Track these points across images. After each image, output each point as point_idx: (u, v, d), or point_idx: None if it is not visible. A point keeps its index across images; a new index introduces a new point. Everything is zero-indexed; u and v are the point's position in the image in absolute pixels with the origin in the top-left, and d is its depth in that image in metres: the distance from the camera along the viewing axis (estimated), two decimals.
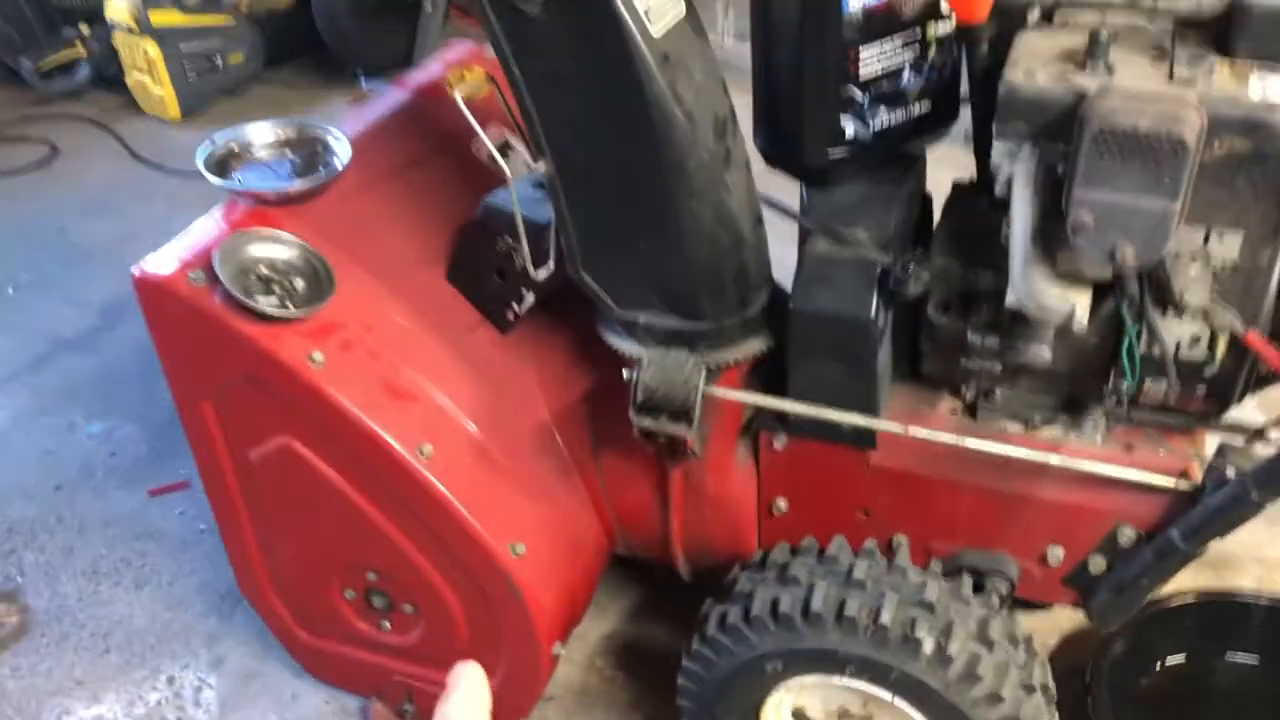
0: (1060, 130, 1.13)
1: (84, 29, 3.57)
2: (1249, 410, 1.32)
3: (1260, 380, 1.24)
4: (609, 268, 1.34)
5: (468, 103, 1.75)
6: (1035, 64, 1.16)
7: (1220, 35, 1.16)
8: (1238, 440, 1.25)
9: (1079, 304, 1.13)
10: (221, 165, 1.47)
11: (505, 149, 1.70)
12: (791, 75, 1.29)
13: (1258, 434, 1.29)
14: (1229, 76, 1.12)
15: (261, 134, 1.51)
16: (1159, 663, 1.60)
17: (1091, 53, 1.14)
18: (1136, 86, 1.06)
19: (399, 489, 1.37)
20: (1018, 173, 1.16)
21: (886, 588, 1.25)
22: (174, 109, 3.46)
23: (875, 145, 1.34)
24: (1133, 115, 1.02)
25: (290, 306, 1.34)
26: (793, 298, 1.30)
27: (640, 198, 1.27)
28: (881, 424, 1.31)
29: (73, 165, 3.35)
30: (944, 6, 1.29)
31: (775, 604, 1.28)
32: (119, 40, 3.43)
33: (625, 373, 1.32)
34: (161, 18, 3.36)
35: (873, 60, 1.28)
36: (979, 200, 1.32)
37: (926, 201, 1.46)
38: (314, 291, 1.37)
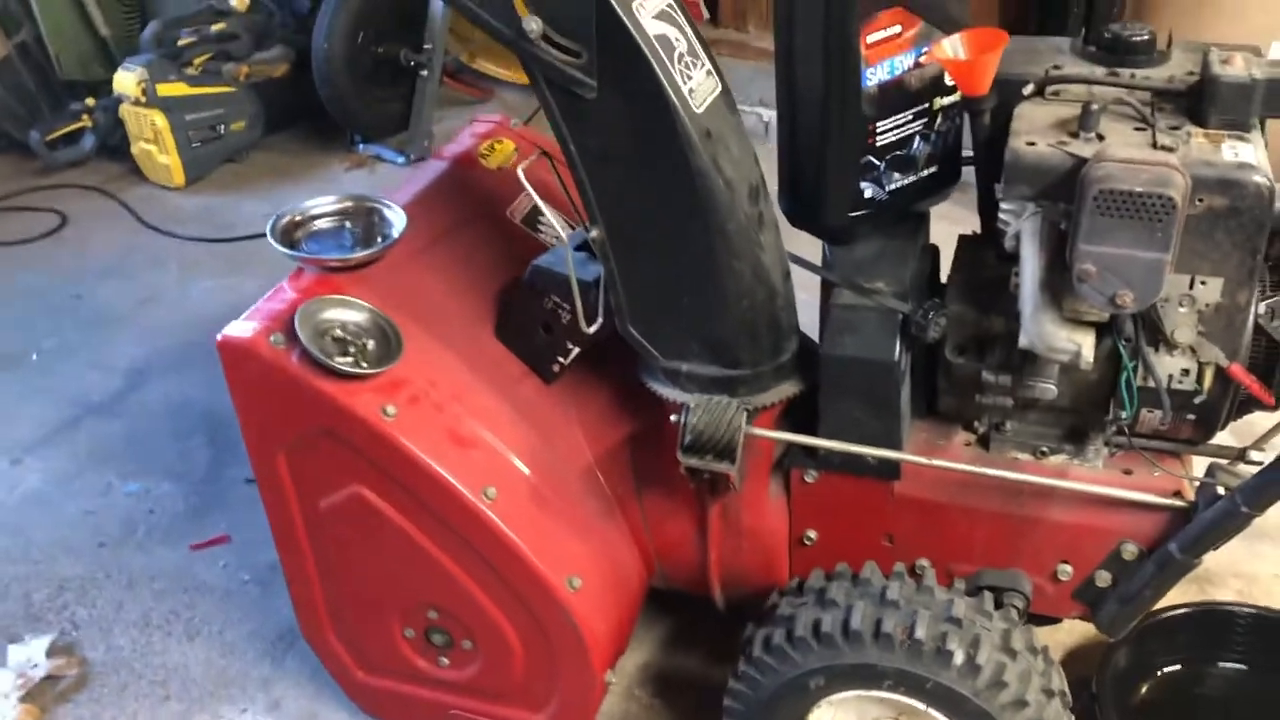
0: (1061, 192, 1.28)
1: (90, 101, 3.68)
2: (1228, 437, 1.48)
3: (1241, 406, 1.40)
4: (655, 322, 1.48)
5: (500, 171, 1.92)
6: (1035, 133, 1.32)
7: (1193, 106, 1.33)
8: (1223, 462, 1.40)
9: (1084, 344, 1.28)
10: (287, 236, 1.60)
11: (536, 216, 1.86)
12: (816, 146, 1.44)
13: (1240, 455, 1.44)
14: (1205, 143, 1.28)
15: (322, 206, 1.64)
16: (1158, 671, 1.74)
17: (1084, 123, 1.30)
18: (1128, 153, 1.22)
19: (464, 530, 1.49)
20: (1024, 230, 1.31)
21: (918, 606, 1.38)
22: (179, 176, 3.58)
23: (889, 205, 1.49)
24: (1128, 178, 1.18)
25: (364, 365, 1.46)
26: (823, 344, 1.45)
27: (685, 259, 1.42)
28: (907, 457, 1.45)
29: (82, 233, 3.45)
30: (948, 81, 1.45)
31: (817, 625, 1.40)
32: (126, 111, 3.55)
33: (674, 417, 1.45)
34: (168, 89, 3.49)
35: (888, 131, 1.44)
36: (986, 252, 1.47)
37: (934, 253, 1.61)
38: (384, 351, 1.49)
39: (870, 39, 1.36)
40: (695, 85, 1.35)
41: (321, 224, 1.64)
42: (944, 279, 1.55)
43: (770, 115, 3.58)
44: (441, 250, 1.71)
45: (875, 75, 1.39)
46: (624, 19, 1.29)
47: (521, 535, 1.48)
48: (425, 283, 1.65)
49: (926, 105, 1.46)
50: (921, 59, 1.40)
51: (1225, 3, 2.65)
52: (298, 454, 1.53)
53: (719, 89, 1.40)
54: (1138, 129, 1.32)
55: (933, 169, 1.51)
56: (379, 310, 1.51)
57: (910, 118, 1.45)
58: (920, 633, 1.34)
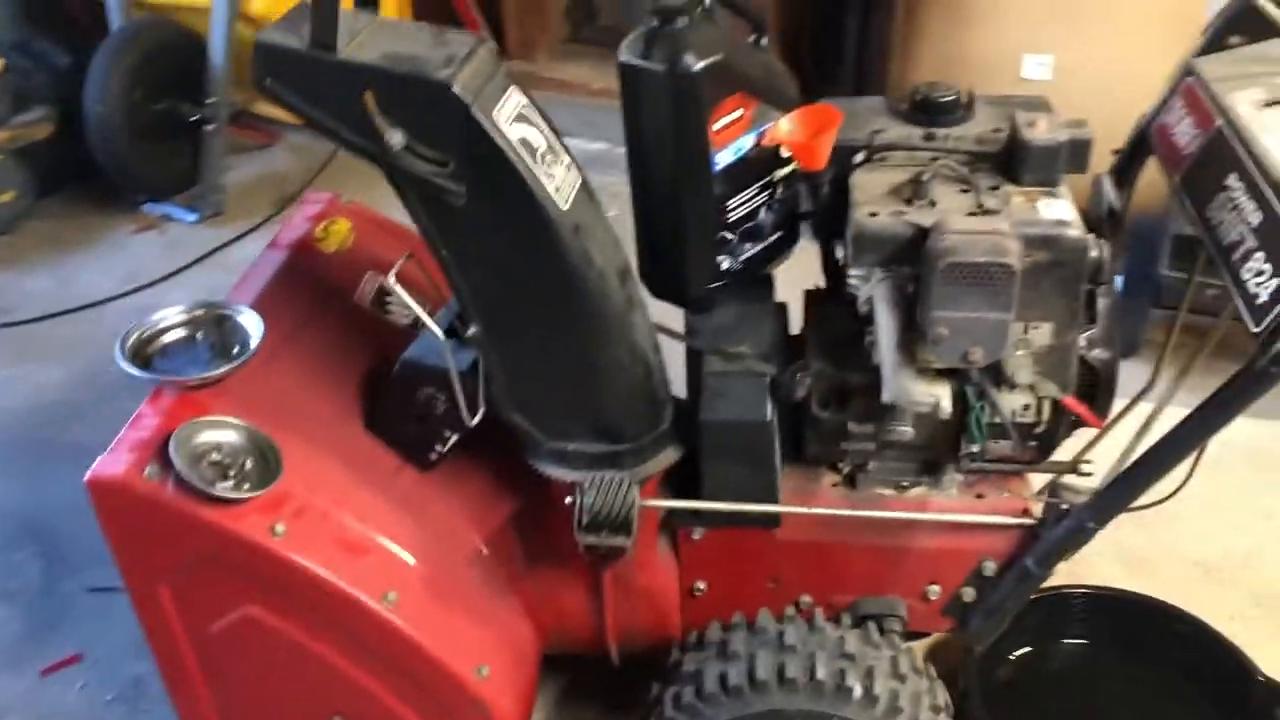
0: (905, 257, 1.40)
1: None
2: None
3: (1072, 425, 1.56)
4: (538, 408, 1.51)
5: (338, 254, 1.89)
6: (874, 203, 1.44)
7: (1006, 166, 1.48)
8: (1067, 479, 1.57)
9: (943, 395, 1.40)
10: (139, 356, 1.54)
11: (383, 296, 1.85)
12: (672, 227, 1.52)
13: (1072, 468, 1.62)
14: (1023, 201, 1.43)
15: (170, 319, 1.59)
16: (1010, 655, 1.92)
17: (917, 191, 1.43)
18: (965, 224, 1.35)
19: (369, 638, 1.48)
20: (876, 295, 1.42)
21: (815, 647, 1.48)
22: None
23: (742, 273, 1.58)
24: (971, 250, 1.30)
25: (247, 488, 1.43)
26: (701, 411, 1.52)
27: (565, 348, 1.46)
28: (788, 509, 1.55)
29: None
30: (785, 153, 1.55)
31: (724, 678, 1.48)
32: None
33: (568, 499, 1.49)
34: None
35: (737, 207, 1.52)
36: (834, 308, 1.58)
37: (783, 310, 1.72)
38: (264, 468, 1.46)
39: (717, 126, 1.44)
40: (559, 182, 1.39)
41: (172, 338, 1.59)
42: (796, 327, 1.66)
43: (569, 143, 3.64)
44: (297, 348, 1.68)
45: (723, 159, 1.47)
46: (487, 127, 1.32)
47: (427, 636, 1.49)
48: (287, 385, 1.62)
49: (769, 178, 1.55)
50: (763, 141, 1.49)
51: (981, 19, 2.89)
52: (182, 582, 1.48)
53: (580, 180, 1.45)
54: (963, 190, 1.45)
55: (778, 234, 1.61)
56: (252, 426, 1.48)
57: (756, 191, 1.54)
58: (821, 673, 1.44)
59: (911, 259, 1.39)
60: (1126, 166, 1.72)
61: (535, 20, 3.70)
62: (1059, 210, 1.41)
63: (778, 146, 1.53)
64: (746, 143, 1.49)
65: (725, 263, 1.55)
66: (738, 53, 1.44)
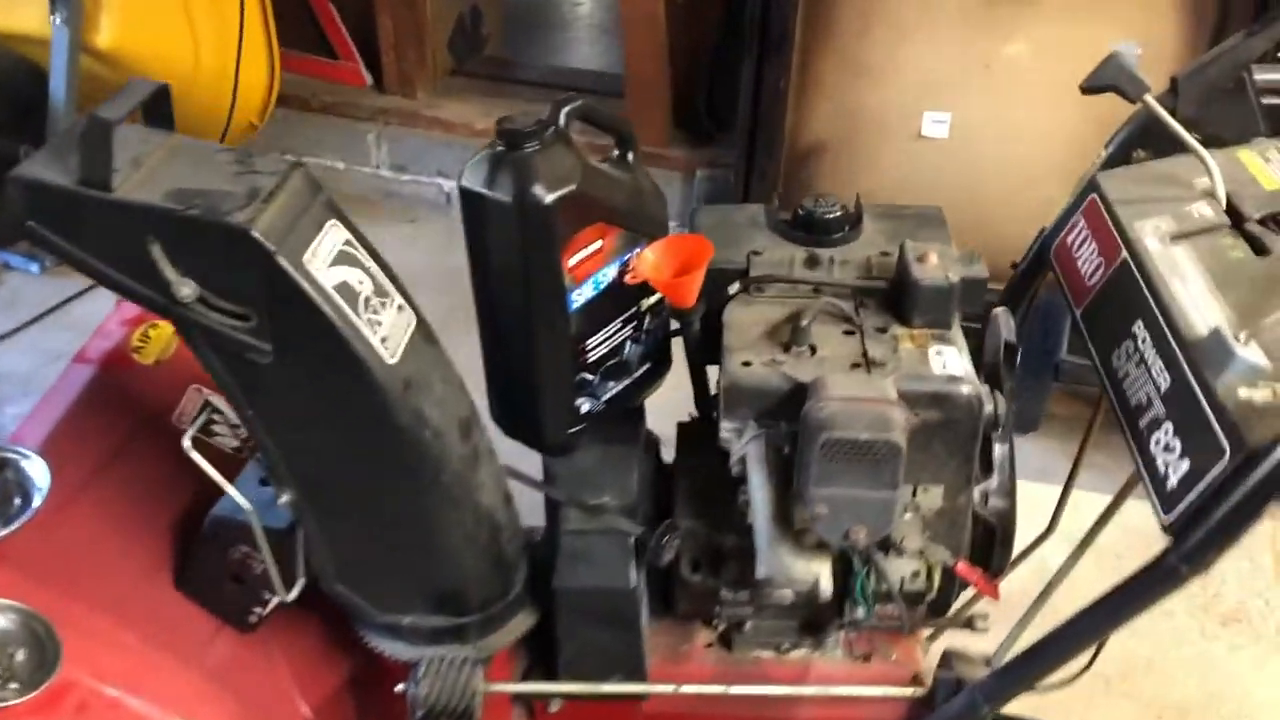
0: (782, 413, 1.24)
1: None
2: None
3: (963, 585, 1.43)
4: (368, 580, 1.32)
5: (158, 366, 1.67)
6: (748, 348, 1.28)
7: (895, 305, 1.33)
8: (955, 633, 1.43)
9: (823, 573, 1.25)
10: None
11: (210, 416, 1.64)
12: (524, 370, 1.33)
13: (967, 623, 1.48)
14: (912, 349, 1.28)
15: None
16: None
17: (795, 338, 1.27)
18: (847, 389, 1.19)
19: None
20: (750, 455, 1.26)
21: None
22: None
23: (606, 413, 1.41)
24: (852, 424, 1.15)
25: (15, 687, 1.21)
26: (556, 577, 1.35)
27: (395, 517, 1.27)
28: (655, 688, 1.38)
29: None
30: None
31: None
32: None
33: (398, 687, 1.31)
34: None
35: (599, 345, 1.35)
36: (708, 450, 1.42)
37: (655, 445, 1.55)
38: (39, 658, 1.24)
39: (572, 261, 1.27)
40: (387, 331, 1.20)
41: None
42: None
43: (450, 185, 3.44)
44: (100, 490, 1.46)
45: (581, 295, 1.29)
46: (295, 276, 1.12)
47: None
48: (82, 540, 1.40)
49: (634, 309, 1.38)
50: (627, 277, 1.32)
51: (879, 74, 2.77)
52: None
53: (414, 322, 1.26)
54: (847, 332, 1.30)
55: (646, 366, 1.44)
56: (24, 606, 1.26)
57: (619, 325, 1.37)
58: None
59: (789, 415, 1.24)
60: (1024, 285, 1.59)
61: (414, 52, 3.47)
62: (951, 361, 1.26)
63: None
64: (608, 274, 1.32)
65: (585, 405, 1.38)
66: (597, 177, 1.27)
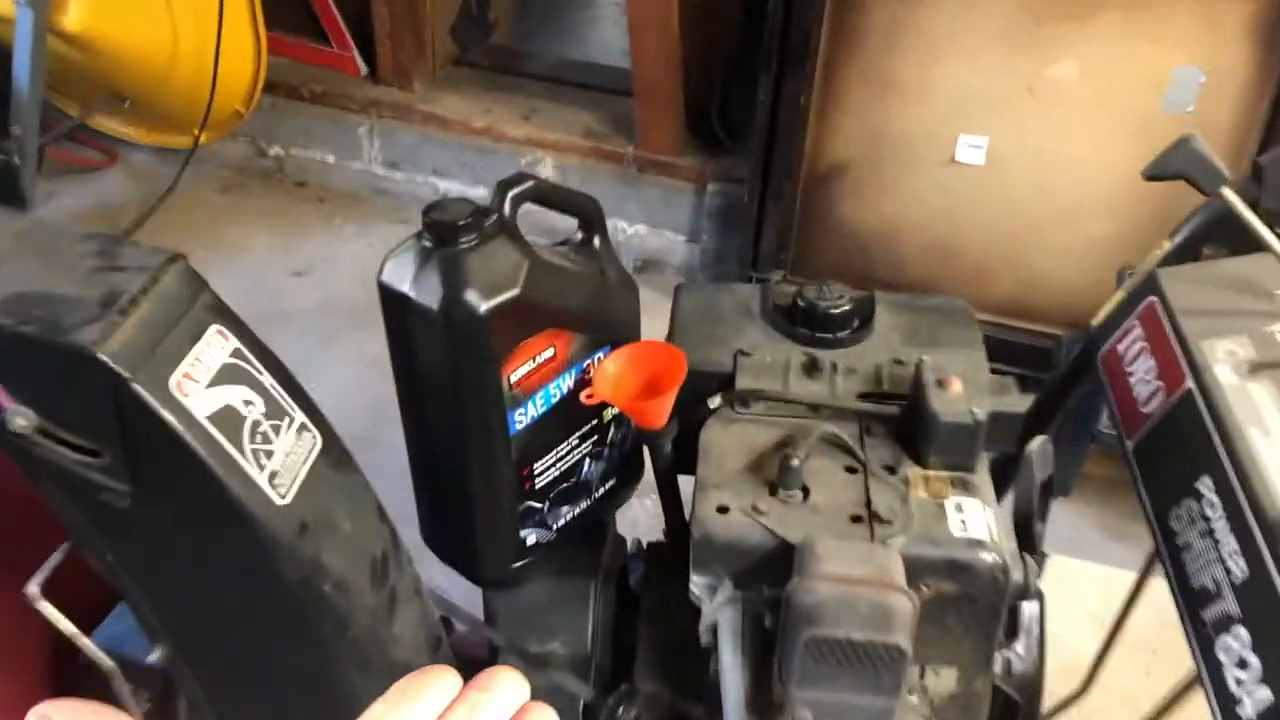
0: (764, 575, 1.02)
1: None
2: None
3: None
4: None
5: None
6: (728, 486, 1.05)
7: (908, 439, 1.10)
8: None
9: None
10: None
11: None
12: (457, 497, 1.11)
13: None
14: (927, 499, 1.05)
15: None
16: None
17: (784, 479, 1.04)
18: (840, 560, 0.96)
19: None
20: (722, 623, 1.04)
21: None
22: None
23: (560, 542, 1.19)
24: (844, 619, 0.92)
25: None
26: None
27: (293, 681, 1.06)
28: None
29: None
30: None
31: None
32: None
33: None
34: None
35: (550, 469, 1.13)
36: (681, 589, 1.20)
37: (616, 559, 1.32)
38: None
39: (515, 376, 1.04)
40: (280, 463, 0.98)
41: None
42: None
43: (447, 185, 3.21)
44: None
45: (526, 414, 1.07)
46: (156, 407, 0.90)
47: None
48: None
49: (595, 421, 1.15)
50: (583, 395, 1.09)
51: (910, 93, 2.51)
52: None
53: (318, 446, 1.04)
54: (849, 469, 1.07)
55: (610, 483, 1.21)
56: None
57: (576, 441, 1.14)
58: None
59: (772, 578, 1.01)
60: (1063, 393, 1.35)
61: (412, 40, 3.23)
62: (973, 519, 1.03)
63: None
64: (562, 386, 1.10)
65: (533, 537, 1.16)
66: (547, 277, 1.04)
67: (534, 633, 1.17)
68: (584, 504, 1.19)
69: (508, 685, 0.53)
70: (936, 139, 2.54)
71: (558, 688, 1.13)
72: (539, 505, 1.13)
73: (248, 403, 0.98)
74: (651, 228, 3.10)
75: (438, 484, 1.13)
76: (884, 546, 0.98)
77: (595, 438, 1.16)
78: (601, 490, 1.20)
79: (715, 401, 1.13)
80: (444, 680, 0.52)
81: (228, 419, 0.95)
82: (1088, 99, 2.40)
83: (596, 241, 1.13)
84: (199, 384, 0.94)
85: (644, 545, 1.29)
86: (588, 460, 1.16)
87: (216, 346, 0.97)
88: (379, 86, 3.30)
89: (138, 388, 0.89)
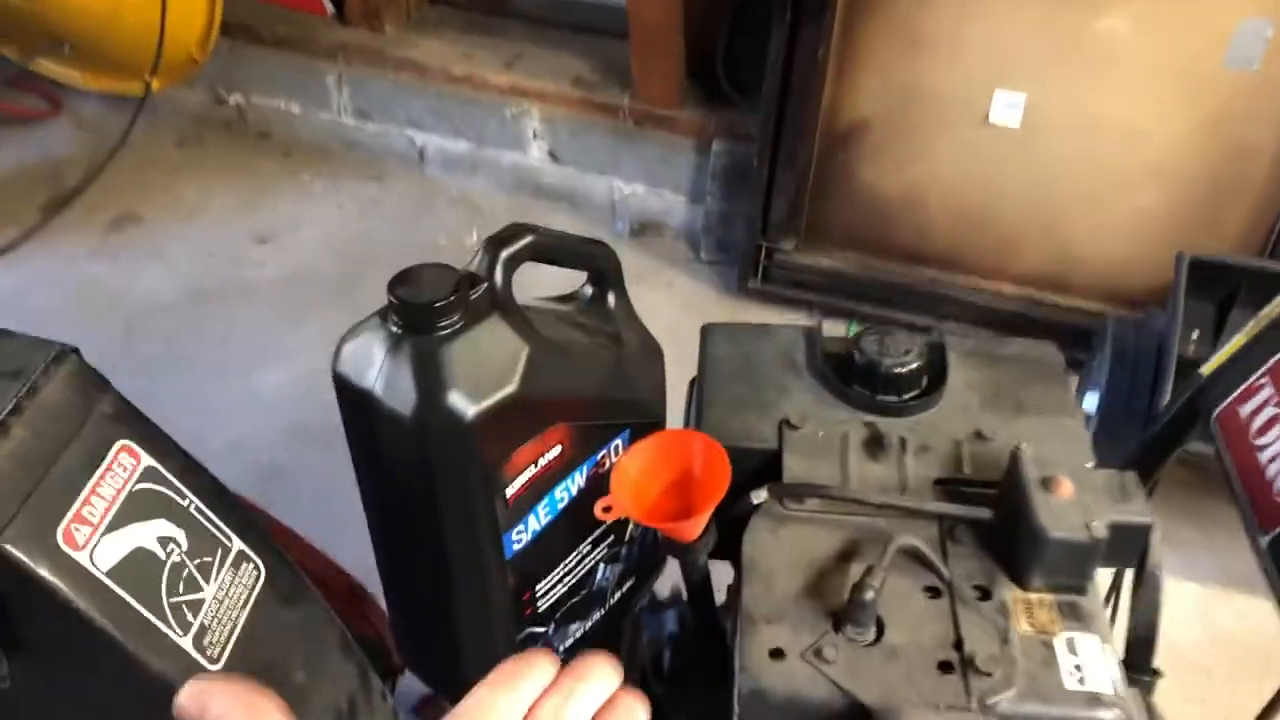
0: None
1: None
2: None
3: None
4: None
5: None
6: (779, 618, 0.83)
7: (1001, 548, 0.88)
8: None
9: None
10: None
11: None
12: (444, 627, 0.89)
13: None
14: (1031, 635, 0.83)
15: None
16: None
17: (853, 614, 0.82)
18: None
19: None
20: None
21: None
22: None
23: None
24: None
25: None
26: None
27: None
28: None
29: None
30: None
31: None
32: None
33: None
34: None
35: (555, 588, 0.91)
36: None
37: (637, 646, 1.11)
38: None
39: (512, 489, 0.81)
40: (212, 614, 0.76)
41: None
42: None
43: (424, 139, 2.93)
44: None
45: (526, 530, 0.85)
46: (37, 571, 0.67)
47: None
48: None
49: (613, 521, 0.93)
50: (597, 509, 0.86)
51: (941, 46, 2.25)
52: None
53: (261, 577, 0.81)
54: (930, 591, 0.86)
55: (629, 584, 1.00)
56: None
57: (588, 549, 0.92)
58: None
59: None
60: (1163, 450, 1.14)
61: None
62: (1090, 663, 0.82)
63: None
64: (571, 487, 0.87)
65: None
66: (551, 361, 0.81)
67: None
68: (597, 615, 0.97)
69: (601, 672, 0.55)
70: (969, 98, 2.28)
71: None
72: (542, 630, 0.92)
73: (166, 540, 0.75)
74: (650, 187, 2.84)
75: (415, 608, 0.92)
76: (985, 710, 0.77)
77: (611, 538, 0.94)
78: (618, 595, 0.98)
79: (759, 496, 0.91)
80: (541, 665, 0.53)
81: (139, 569, 0.73)
82: (1140, 55, 2.15)
83: (611, 299, 0.89)
84: (98, 528, 0.71)
85: (669, 635, 1.07)
86: (601, 566, 0.94)
87: (122, 471, 0.74)
88: (347, 29, 3.00)
89: (8, 548, 0.66)
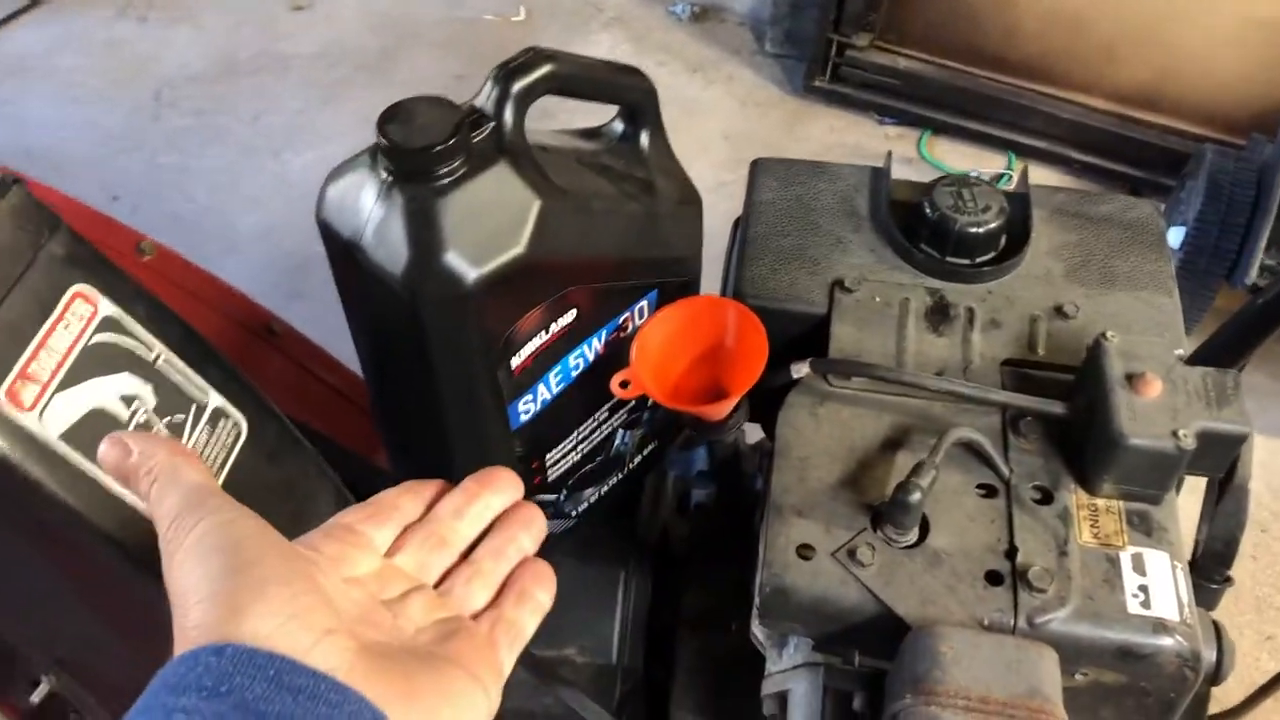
0: (856, 638, 0.74)
1: None
2: None
3: None
4: None
5: None
6: (812, 516, 0.75)
7: (1070, 446, 0.78)
8: None
9: None
10: None
11: None
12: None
13: None
14: (1094, 547, 0.74)
15: None
16: None
17: (895, 515, 0.73)
18: (973, 669, 0.67)
19: None
20: (794, 695, 0.77)
21: None
22: None
23: (581, 526, 0.91)
24: None
25: None
26: None
27: None
28: None
29: None
30: None
31: None
32: None
33: None
34: None
35: (568, 455, 0.83)
36: (728, 607, 0.92)
37: (658, 507, 1.04)
38: None
39: (518, 359, 0.72)
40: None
41: None
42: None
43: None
44: None
45: (535, 401, 0.76)
46: None
47: None
48: None
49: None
50: (614, 383, 0.76)
51: None
52: None
53: (242, 434, 0.74)
54: (983, 490, 0.77)
55: (650, 447, 0.92)
56: None
57: (605, 415, 0.84)
58: None
59: (868, 646, 0.74)
60: (1263, 327, 1.01)
61: None
62: (1157, 585, 0.73)
63: None
64: (586, 353, 0.78)
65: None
66: (567, 212, 0.69)
67: (543, 631, 0.91)
68: (614, 479, 0.90)
69: (504, 481, 0.57)
70: None
71: (572, 711, 0.89)
72: (553, 497, 0.84)
73: (130, 399, 0.67)
74: None
75: (417, 472, 0.84)
76: (1036, 647, 0.69)
77: (631, 403, 0.85)
78: (638, 459, 0.90)
79: (800, 369, 0.81)
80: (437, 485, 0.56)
81: (97, 431, 0.64)
82: None
83: (645, 139, 0.77)
84: (48, 385, 0.63)
85: (693, 500, 1.00)
86: (620, 432, 0.86)
87: (76, 320, 0.65)
88: None
89: None
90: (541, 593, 0.55)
